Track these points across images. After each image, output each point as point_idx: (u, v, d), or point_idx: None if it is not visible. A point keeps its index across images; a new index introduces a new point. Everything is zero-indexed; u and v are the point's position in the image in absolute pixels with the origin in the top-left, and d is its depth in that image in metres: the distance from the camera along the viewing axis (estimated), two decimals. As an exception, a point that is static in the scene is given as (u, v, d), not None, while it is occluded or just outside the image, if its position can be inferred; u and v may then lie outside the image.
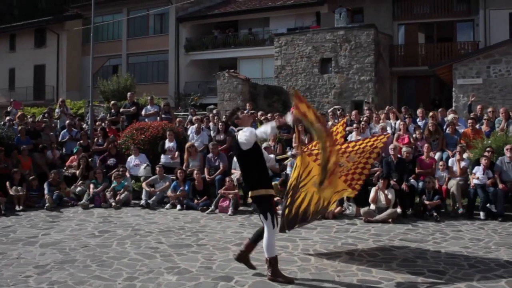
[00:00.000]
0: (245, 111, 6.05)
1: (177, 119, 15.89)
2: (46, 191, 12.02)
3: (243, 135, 5.72)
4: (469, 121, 12.64)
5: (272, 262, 5.78)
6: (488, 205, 10.04)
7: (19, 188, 11.87)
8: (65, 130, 15.41)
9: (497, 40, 23.16)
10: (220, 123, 14.12)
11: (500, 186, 10.19)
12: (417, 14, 28.19)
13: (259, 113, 15.70)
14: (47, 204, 11.51)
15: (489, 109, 14.09)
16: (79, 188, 12.56)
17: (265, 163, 5.94)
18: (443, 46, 26.79)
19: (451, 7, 27.47)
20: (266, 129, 5.65)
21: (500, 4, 25.51)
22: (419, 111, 14.18)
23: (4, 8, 56.40)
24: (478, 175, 10.43)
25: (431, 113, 13.45)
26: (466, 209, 10.20)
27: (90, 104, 17.92)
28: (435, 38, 28.10)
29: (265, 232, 5.80)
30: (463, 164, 10.97)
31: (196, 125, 14.04)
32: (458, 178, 10.74)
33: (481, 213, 9.99)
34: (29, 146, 13.76)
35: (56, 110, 17.12)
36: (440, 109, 14.70)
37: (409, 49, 27.68)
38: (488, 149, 10.83)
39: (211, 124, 14.83)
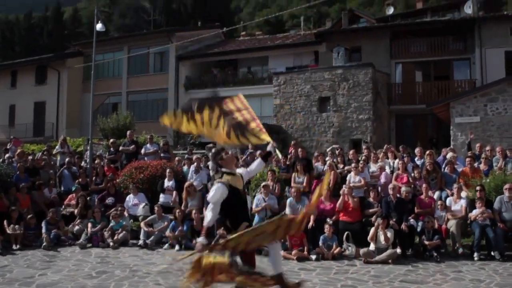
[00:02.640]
0: (230, 152, 6.02)
1: (176, 158, 15.89)
2: (43, 230, 11.93)
3: (210, 194, 5.81)
4: (467, 159, 12.66)
5: None
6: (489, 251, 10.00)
7: (16, 226, 11.80)
8: (64, 168, 15.38)
9: (493, 78, 23.45)
10: (219, 162, 14.09)
11: (500, 225, 10.16)
12: (414, 53, 28.55)
13: (257, 153, 15.73)
14: (44, 243, 11.43)
15: (487, 148, 14.14)
16: (77, 227, 12.48)
17: (235, 207, 5.86)
18: (440, 84, 27.07)
19: (447, 45, 27.88)
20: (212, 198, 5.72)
21: (496, 43, 25.91)
22: (417, 150, 14.22)
23: (6, 44, 57.12)
24: (476, 213, 10.42)
25: (428, 152, 13.45)
26: (467, 250, 10.14)
27: (89, 142, 17.98)
28: (432, 76, 28.39)
29: None
30: (461, 203, 10.95)
31: (195, 164, 14.05)
32: (457, 218, 10.70)
33: (476, 254, 9.89)
34: (28, 184, 13.73)
35: (56, 147, 17.16)
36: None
37: (406, 87, 27.93)
38: (478, 188, 10.81)
39: (210, 163, 14.81)
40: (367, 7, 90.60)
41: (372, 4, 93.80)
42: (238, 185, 5.92)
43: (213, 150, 6.22)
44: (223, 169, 5.93)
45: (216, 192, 5.67)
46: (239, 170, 6.22)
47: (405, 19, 34.63)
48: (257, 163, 6.51)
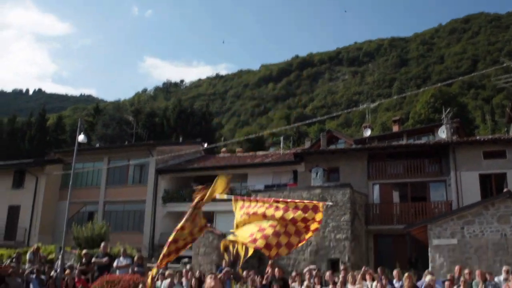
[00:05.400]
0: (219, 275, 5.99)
1: (150, 273, 15.45)
2: None
3: None
4: (446, 283, 12.50)
5: None
6: None
7: None
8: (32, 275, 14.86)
9: (469, 200, 23.81)
10: (193, 279, 13.75)
11: None
12: (391, 174, 28.98)
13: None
14: None
15: (466, 271, 14.01)
16: None
17: None
18: (417, 205, 27.27)
19: (423, 168, 28.41)
20: None
21: (470, 166, 26.50)
22: (395, 273, 14.04)
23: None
24: None
25: (406, 275, 13.27)
26: None
27: (61, 250, 17.51)
28: (409, 197, 28.58)
29: None
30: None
31: (169, 280, 13.66)
32: None
33: None
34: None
35: (28, 255, 16.69)
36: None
37: (384, 208, 28.07)
38: None
39: (183, 279, 14.41)
40: (345, 128, 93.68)
41: (350, 126, 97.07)
42: None
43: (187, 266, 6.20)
44: None
45: None
46: None
47: (382, 141, 35.65)
48: None
